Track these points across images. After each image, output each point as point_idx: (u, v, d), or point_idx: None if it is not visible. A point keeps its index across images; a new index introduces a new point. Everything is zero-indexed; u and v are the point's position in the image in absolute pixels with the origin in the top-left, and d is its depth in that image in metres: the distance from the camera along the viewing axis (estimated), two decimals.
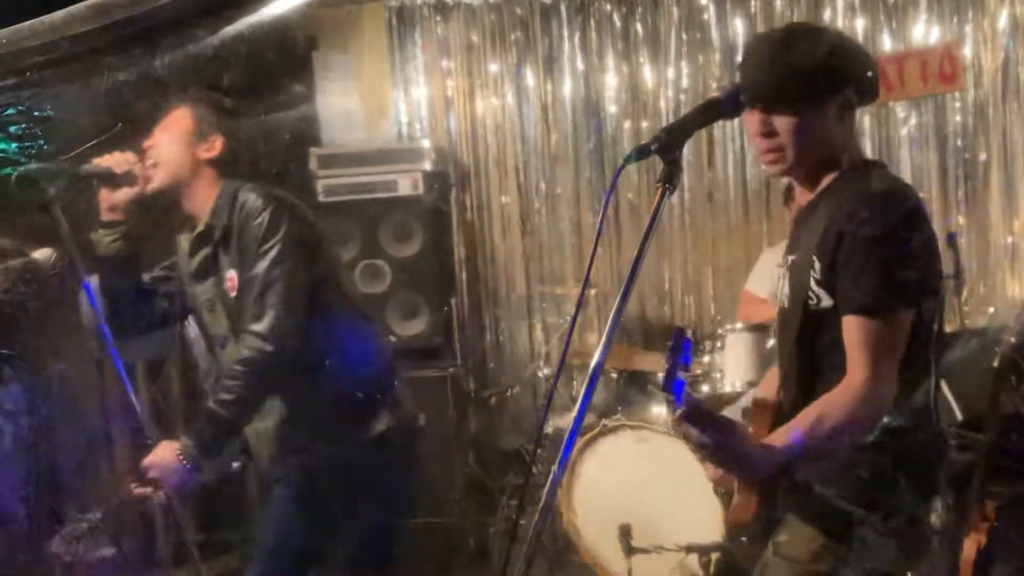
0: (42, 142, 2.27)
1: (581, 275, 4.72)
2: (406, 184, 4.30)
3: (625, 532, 3.14)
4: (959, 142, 4.34)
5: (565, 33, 4.76)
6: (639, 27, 4.68)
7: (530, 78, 4.81)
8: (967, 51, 4.25)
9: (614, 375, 3.84)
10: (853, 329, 1.68)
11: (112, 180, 2.31)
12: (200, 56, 2.07)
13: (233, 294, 2.34)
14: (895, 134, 4.40)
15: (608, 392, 3.85)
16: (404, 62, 4.85)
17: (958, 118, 4.34)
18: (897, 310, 1.69)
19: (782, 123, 1.75)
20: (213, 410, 2.27)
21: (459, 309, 4.84)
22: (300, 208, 2.43)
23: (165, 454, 2.26)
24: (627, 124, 4.74)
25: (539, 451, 3.58)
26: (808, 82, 1.72)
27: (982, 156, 4.29)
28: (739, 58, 1.90)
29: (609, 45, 4.72)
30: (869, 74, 1.84)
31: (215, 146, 2.38)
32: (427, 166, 4.38)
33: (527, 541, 1.42)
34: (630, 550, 3.11)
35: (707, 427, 1.58)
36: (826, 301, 1.73)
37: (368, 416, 2.44)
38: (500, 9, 4.78)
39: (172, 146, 2.36)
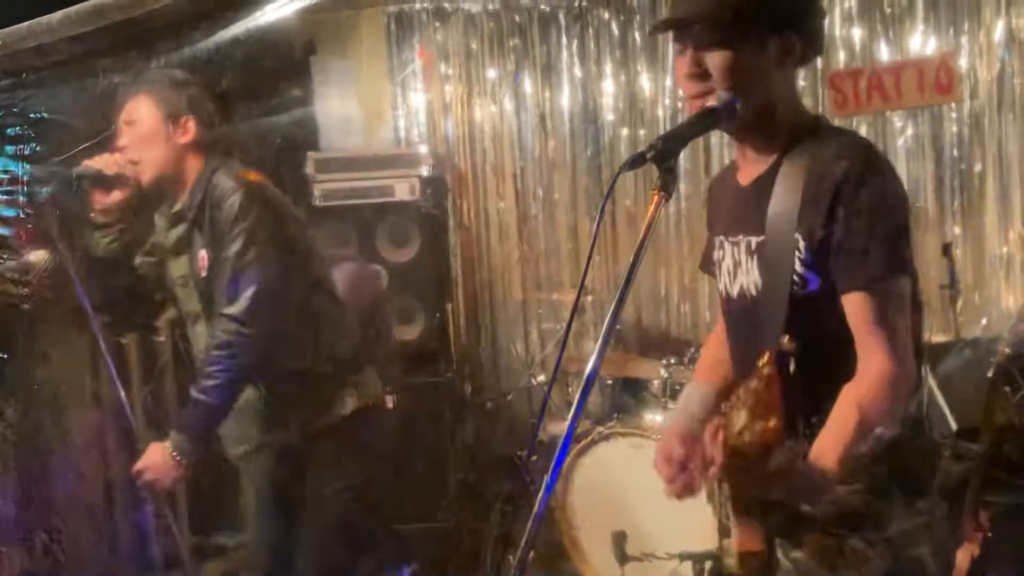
0: (36, 144, 2.27)
1: (577, 281, 4.73)
2: (403, 189, 4.30)
3: (619, 539, 3.14)
4: (955, 152, 4.35)
5: (563, 41, 4.77)
6: (637, 36, 4.69)
7: (528, 85, 4.82)
8: (963, 62, 4.26)
9: (609, 382, 3.84)
10: (865, 308, 1.51)
11: (103, 182, 2.33)
12: (197, 60, 2.07)
13: (204, 273, 2.36)
14: (891, 144, 4.41)
15: (603, 399, 3.85)
16: (402, 68, 4.86)
17: (954, 128, 4.35)
18: (903, 281, 1.54)
19: (714, 60, 1.56)
20: (197, 398, 2.29)
21: (455, 315, 4.84)
22: (272, 192, 2.44)
23: (156, 454, 2.27)
24: (624, 132, 4.75)
25: (533, 458, 3.57)
26: (744, 10, 1.55)
27: (978, 167, 4.30)
28: None
29: (607, 53, 4.73)
30: (816, 20, 1.65)
31: (188, 129, 2.37)
32: (424, 171, 4.38)
33: (520, 548, 1.41)
34: (623, 558, 3.10)
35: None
36: (814, 284, 1.56)
37: (334, 398, 2.48)
38: (499, 16, 4.80)
39: (147, 141, 2.36)
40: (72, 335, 3.17)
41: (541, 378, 4.27)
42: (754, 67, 1.57)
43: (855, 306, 1.52)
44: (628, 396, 3.81)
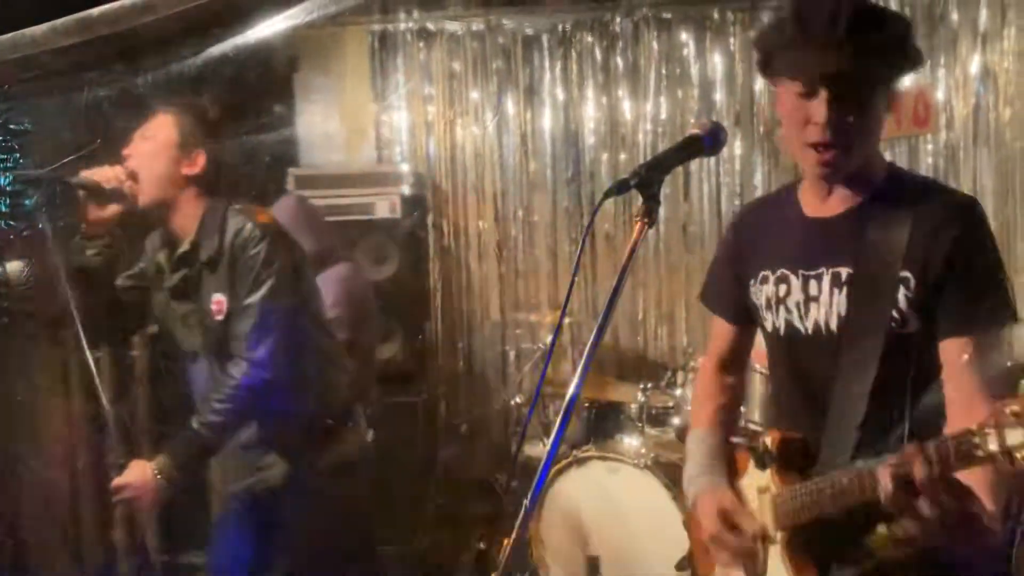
0: (18, 156, 2.25)
1: (556, 303, 4.74)
2: (383, 207, 4.30)
3: (593, 564, 3.13)
4: None
5: (547, 64, 4.80)
6: (619, 61, 4.74)
7: (510, 107, 4.85)
8: (940, 95, 4.34)
9: (586, 405, 3.84)
10: (973, 351, 1.52)
11: (100, 195, 2.30)
12: (184, 75, 2.07)
13: (219, 317, 2.34)
14: None
15: (579, 423, 3.85)
16: (385, 86, 4.87)
17: (930, 159, 4.42)
18: (1006, 330, 1.56)
19: (848, 108, 1.54)
20: (197, 431, 2.28)
21: (433, 334, 4.83)
22: (289, 236, 2.46)
23: (140, 473, 2.25)
24: (605, 156, 4.78)
25: (512, 482, 3.56)
26: (886, 58, 1.54)
27: None
28: (778, 19, 1.61)
29: (590, 77, 4.77)
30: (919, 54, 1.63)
31: (197, 163, 2.36)
32: (405, 190, 4.39)
33: (497, 571, 1.40)
34: None
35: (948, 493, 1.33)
36: (914, 324, 1.56)
37: (331, 440, 2.50)
38: (483, 37, 4.82)
39: (155, 161, 2.34)
40: (45, 348, 3.13)
41: (518, 399, 4.26)
42: (879, 120, 1.60)
43: (963, 349, 1.54)
44: (604, 420, 3.81)
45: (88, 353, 2.29)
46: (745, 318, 1.90)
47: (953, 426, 1.53)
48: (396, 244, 4.32)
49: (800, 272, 1.70)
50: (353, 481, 2.55)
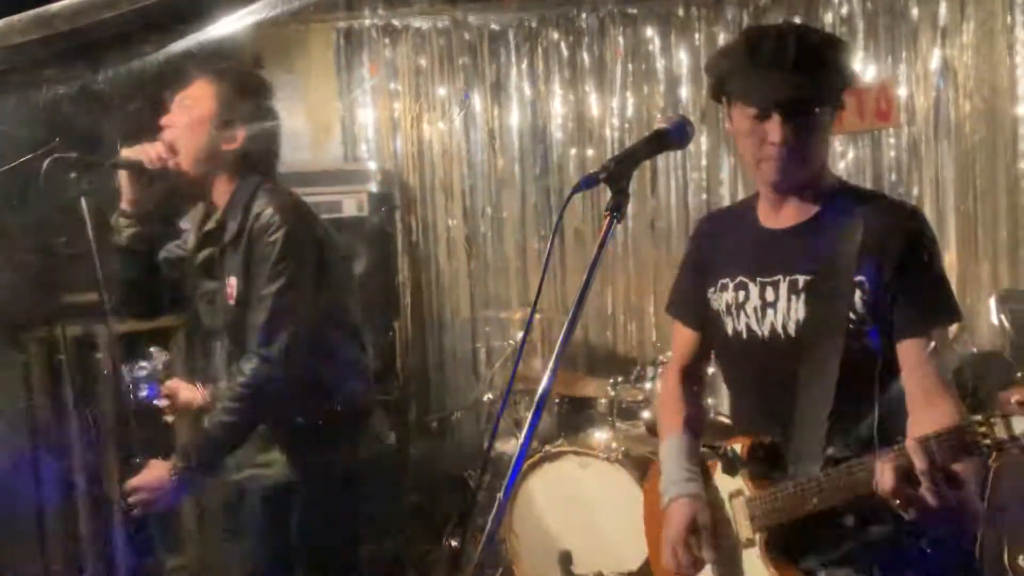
0: None
1: (526, 299, 4.74)
2: (351, 205, 4.27)
3: (565, 559, 3.14)
4: (893, 176, 4.47)
5: (513, 59, 4.80)
6: (585, 56, 4.74)
7: (477, 103, 4.84)
8: (901, 90, 4.39)
9: (556, 400, 3.85)
10: (929, 349, 1.64)
11: (141, 174, 2.23)
12: (146, 72, 2.03)
13: (231, 301, 2.25)
14: (833, 167, 4.49)
15: (550, 418, 3.86)
16: (351, 83, 4.84)
17: (893, 153, 4.47)
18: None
19: (799, 128, 1.66)
20: (210, 431, 2.20)
21: (403, 332, 4.81)
22: (315, 224, 2.32)
23: (156, 473, 2.18)
24: (573, 151, 4.79)
25: (484, 478, 3.55)
26: (829, 82, 1.67)
27: (915, 190, 4.42)
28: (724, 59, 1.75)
29: (556, 73, 4.77)
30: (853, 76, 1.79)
31: (236, 139, 2.27)
32: (373, 187, 4.37)
33: (470, 567, 1.40)
34: None
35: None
36: (869, 324, 1.67)
37: (340, 442, 2.38)
38: (449, 34, 4.81)
39: (192, 134, 2.24)
40: (7, 352, 3.08)
41: (489, 396, 4.26)
42: (826, 133, 1.72)
43: (918, 348, 1.65)
44: (575, 415, 3.82)
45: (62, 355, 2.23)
46: (705, 324, 1.98)
47: (916, 418, 1.64)
48: (364, 242, 4.30)
49: (758, 279, 1.80)
50: (360, 487, 2.42)
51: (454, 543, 3.95)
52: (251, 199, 2.24)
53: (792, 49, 1.64)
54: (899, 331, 1.67)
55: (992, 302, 3.96)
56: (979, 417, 1.37)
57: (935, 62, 4.34)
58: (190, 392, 2.39)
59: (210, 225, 2.30)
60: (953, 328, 1.74)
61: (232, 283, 2.24)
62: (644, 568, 3.02)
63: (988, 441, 1.35)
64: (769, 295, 1.77)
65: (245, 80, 2.33)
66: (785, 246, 1.78)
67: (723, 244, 1.93)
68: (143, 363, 2.36)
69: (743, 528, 1.79)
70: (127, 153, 2.22)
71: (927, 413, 1.61)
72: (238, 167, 2.28)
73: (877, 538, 1.67)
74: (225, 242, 2.26)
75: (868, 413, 1.67)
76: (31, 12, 1.67)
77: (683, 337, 2.06)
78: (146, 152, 2.21)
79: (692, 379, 2.08)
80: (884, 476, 1.47)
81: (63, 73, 1.90)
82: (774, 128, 1.67)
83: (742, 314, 1.82)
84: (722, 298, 1.87)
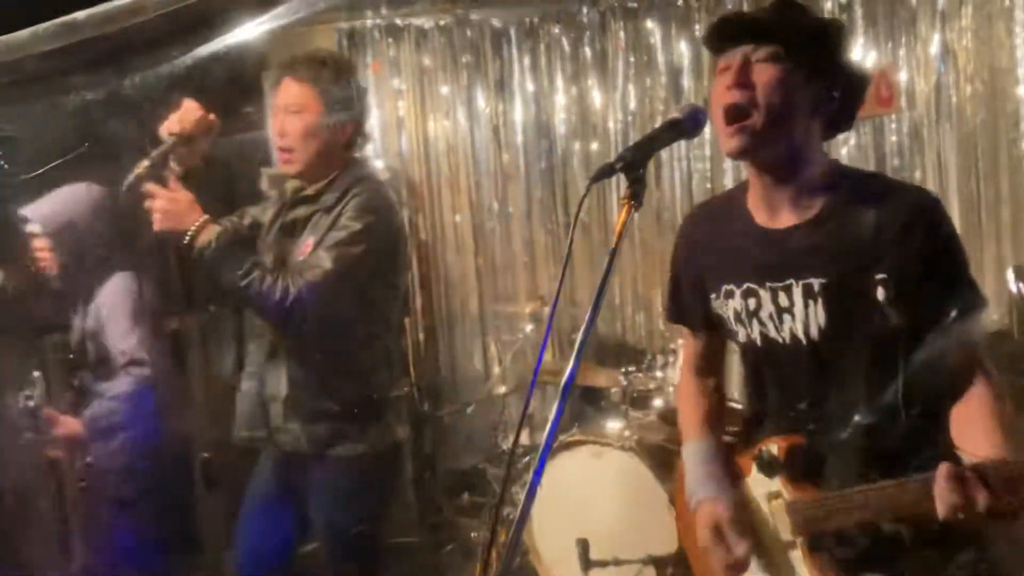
0: (2, 162, 2.24)
1: (533, 293, 4.77)
2: None
3: (583, 546, 3.17)
4: (896, 162, 4.50)
5: (515, 56, 4.83)
6: (587, 51, 4.77)
7: (481, 100, 4.87)
8: (902, 75, 4.42)
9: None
10: (962, 339, 1.60)
11: (189, 141, 2.30)
12: (175, 76, 2.07)
13: (300, 258, 2.33)
14: (836, 153, 4.54)
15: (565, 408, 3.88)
16: None
17: (894, 138, 4.50)
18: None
19: (762, 75, 1.58)
20: (242, 282, 2.24)
21: (412, 328, 4.85)
22: (397, 214, 2.46)
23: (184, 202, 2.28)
24: (576, 145, 4.82)
25: (511, 468, 3.58)
26: (807, 44, 1.58)
27: (918, 174, 4.45)
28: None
29: (558, 68, 4.81)
30: (857, 95, 1.68)
31: (345, 131, 2.37)
32: None
33: (488, 558, 1.42)
34: (588, 564, 3.14)
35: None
36: (895, 319, 1.60)
37: (369, 426, 2.44)
38: (451, 32, 4.84)
39: (311, 140, 2.33)
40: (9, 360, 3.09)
41: (502, 389, 4.29)
42: (797, 97, 1.59)
43: (947, 342, 1.59)
44: (588, 405, 3.85)
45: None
46: (712, 326, 1.92)
47: (958, 396, 1.61)
48: None
49: (767, 284, 1.71)
50: (366, 477, 2.47)
51: (474, 536, 3.98)
52: (354, 181, 2.35)
53: (771, 4, 1.61)
54: (928, 323, 1.60)
55: (1009, 273, 3.99)
56: None
57: (935, 46, 4.36)
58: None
59: (308, 191, 2.39)
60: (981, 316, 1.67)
61: (309, 243, 2.33)
62: (660, 553, 3.06)
63: None
64: (783, 300, 1.69)
65: (339, 69, 2.39)
66: (791, 247, 1.68)
67: (718, 246, 1.83)
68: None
69: (784, 530, 1.74)
70: (166, 126, 2.25)
71: (968, 396, 1.58)
72: (345, 152, 2.40)
73: (925, 551, 1.62)
74: (320, 207, 2.35)
75: (892, 381, 1.62)
76: (57, 21, 1.71)
77: (691, 341, 2.03)
78: (187, 117, 2.26)
79: (706, 376, 2.04)
80: (942, 500, 1.41)
81: (90, 80, 1.93)
82: (728, 74, 1.61)
83: (755, 322, 1.74)
84: (729, 305, 1.79)
